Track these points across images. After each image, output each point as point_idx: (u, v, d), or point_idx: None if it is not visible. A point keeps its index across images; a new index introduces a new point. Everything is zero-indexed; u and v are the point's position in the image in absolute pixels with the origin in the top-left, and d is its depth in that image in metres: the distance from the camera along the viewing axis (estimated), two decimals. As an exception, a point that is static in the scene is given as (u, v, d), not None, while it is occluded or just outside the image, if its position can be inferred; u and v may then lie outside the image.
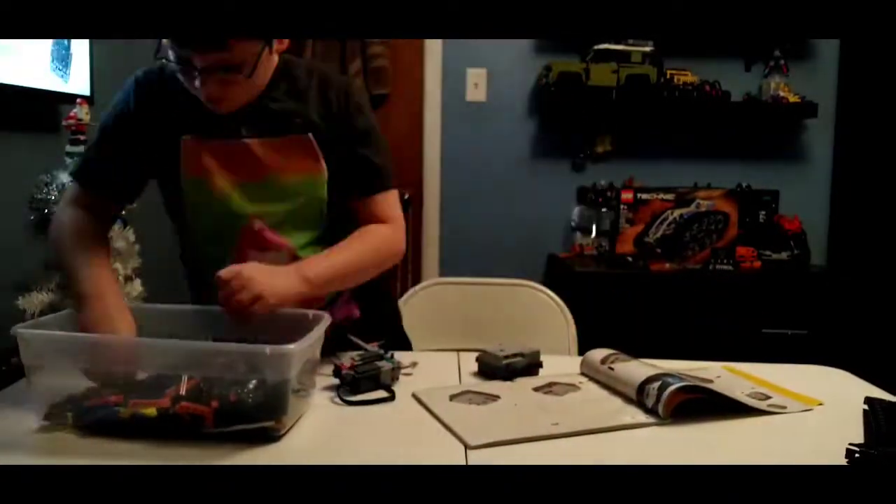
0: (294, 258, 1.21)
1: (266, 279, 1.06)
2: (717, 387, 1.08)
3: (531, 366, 1.24)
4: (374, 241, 1.25)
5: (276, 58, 1.22)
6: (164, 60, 1.15)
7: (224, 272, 1.05)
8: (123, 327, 1.06)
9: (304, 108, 1.23)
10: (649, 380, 1.06)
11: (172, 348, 0.97)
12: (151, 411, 0.91)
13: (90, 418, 0.93)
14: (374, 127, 1.29)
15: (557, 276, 2.91)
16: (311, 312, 1.07)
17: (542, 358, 1.26)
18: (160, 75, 1.23)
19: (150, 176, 1.29)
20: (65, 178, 1.55)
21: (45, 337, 0.96)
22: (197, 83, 1.12)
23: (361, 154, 1.26)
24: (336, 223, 1.26)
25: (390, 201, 1.29)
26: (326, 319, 1.05)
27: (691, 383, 1.04)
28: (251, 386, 0.92)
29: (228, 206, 1.21)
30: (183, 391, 0.92)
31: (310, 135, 1.22)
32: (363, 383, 1.11)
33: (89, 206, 1.24)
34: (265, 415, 0.91)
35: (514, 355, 1.22)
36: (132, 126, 1.23)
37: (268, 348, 0.90)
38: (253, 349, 0.92)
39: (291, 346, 0.91)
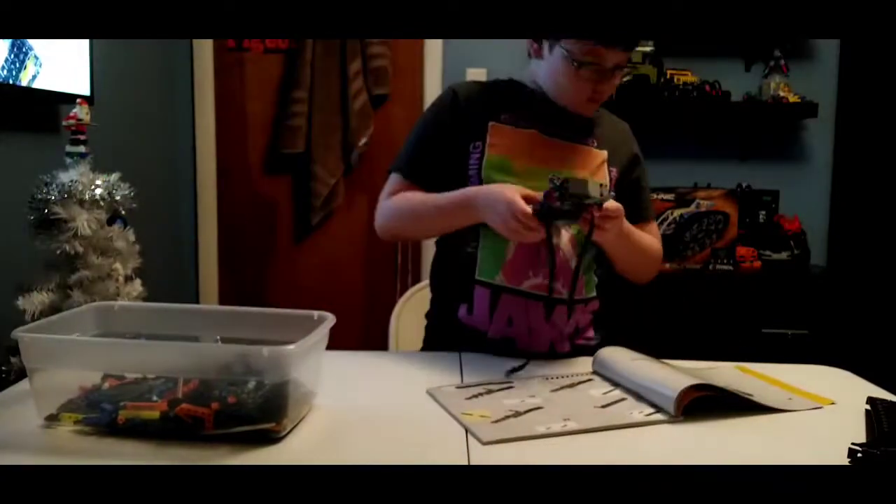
0: (570, 238, 1.35)
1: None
2: (730, 385, 1.08)
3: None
4: (657, 247, 1.48)
5: None
6: (564, 52, 1.32)
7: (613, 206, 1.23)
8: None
9: (599, 133, 1.45)
10: (661, 377, 1.07)
11: (170, 349, 0.97)
12: (154, 414, 0.90)
13: (92, 420, 0.93)
14: (646, 167, 1.54)
15: (557, 276, 2.91)
16: (315, 313, 1.07)
17: (546, 359, 1.25)
18: (475, 85, 1.47)
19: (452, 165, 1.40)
20: (65, 177, 1.55)
21: (44, 341, 0.96)
22: (602, 84, 1.35)
23: (640, 186, 1.50)
24: None
25: (656, 227, 1.54)
26: (331, 320, 1.04)
27: (703, 381, 1.04)
28: (250, 387, 0.91)
29: (528, 179, 1.32)
30: (180, 394, 0.92)
31: (604, 151, 1.43)
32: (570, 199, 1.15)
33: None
34: (265, 417, 0.90)
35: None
36: (446, 121, 1.40)
37: (265, 349, 0.89)
38: (250, 350, 0.91)
39: (291, 347, 0.90)
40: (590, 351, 1.32)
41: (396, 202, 1.39)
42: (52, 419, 0.94)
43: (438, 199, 1.34)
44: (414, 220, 1.39)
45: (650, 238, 1.46)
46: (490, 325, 1.34)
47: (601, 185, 1.20)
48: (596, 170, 1.41)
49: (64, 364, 0.96)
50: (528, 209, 1.18)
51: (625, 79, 2.82)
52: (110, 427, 0.92)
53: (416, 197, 1.38)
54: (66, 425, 0.94)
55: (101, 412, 0.92)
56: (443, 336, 1.38)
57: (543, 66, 1.40)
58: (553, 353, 1.34)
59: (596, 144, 1.43)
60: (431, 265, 1.51)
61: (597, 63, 1.31)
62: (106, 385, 0.96)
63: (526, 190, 1.22)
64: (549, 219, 1.18)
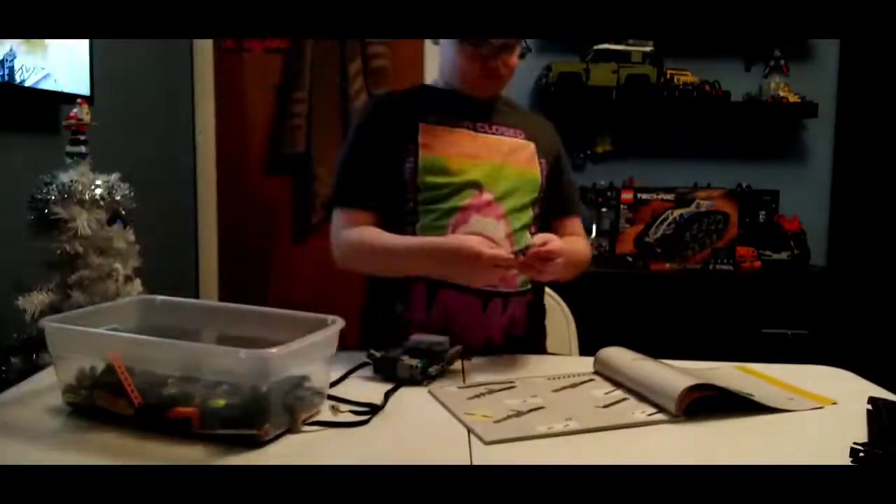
0: (508, 234, 1.37)
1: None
2: (731, 385, 1.09)
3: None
4: (584, 248, 1.52)
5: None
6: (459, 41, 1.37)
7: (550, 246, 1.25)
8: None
9: (525, 125, 1.48)
10: (663, 377, 1.07)
11: (156, 346, 0.95)
12: (126, 409, 0.91)
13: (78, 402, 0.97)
14: (568, 163, 1.58)
15: (557, 276, 2.91)
16: (329, 318, 1.04)
17: (547, 358, 1.26)
18: (393, 95, 1.52)
19: (388, 176, 1.39)
20: (65, 177, 1.55)
21: (67, 331, 0.99)
22: (490, 61, 1.38)
23: (565, 180, 1.54)
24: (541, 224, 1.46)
25: (580, 223, 1.57)
26: (339, 323, 1.03)
27: (704, 381, 1.04)
28: (228, 389, 0.89)
29: (464, 178, 1.36)
30: (169, 390, 0.92)
31: (532, 143, 1.46)
32: (383, 370, 1.16)
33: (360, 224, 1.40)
34: (244, 422, 0.87)
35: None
36: (372, 135, 1.42)
37: (242, 352, 0.86)
38: (227, 351, 0.89)
39: (272, 351, 0.87)
40: (522, 342, 1.40)
41: (354, 242, 1.38)
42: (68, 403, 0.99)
43: (398, 248, 1.34)
44: (374, 265, 1.40)
45: (579, 245, 1.49)
46: (427, 319, 1.35)
47: (526, 246, 1.27)
48: (528, 161, 1.44)
49: (72, 353, 0.99)
50: (495, 253, 1.23)
51: (625, 74, 2.82)
52: (92, 410, 0.95)
53: (375, 241, 1.36)
54: (82, 413, 0.97)
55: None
56: (380, 330, 1.37)
57: (442, 57, 1.46)
58: (489, 347, 1.35)
59: (523, 136, 1.46)
60: None
61: (478, 39, 1.36)
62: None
63: (486, 243, 1.26)
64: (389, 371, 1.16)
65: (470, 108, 1.44)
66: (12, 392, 1.10)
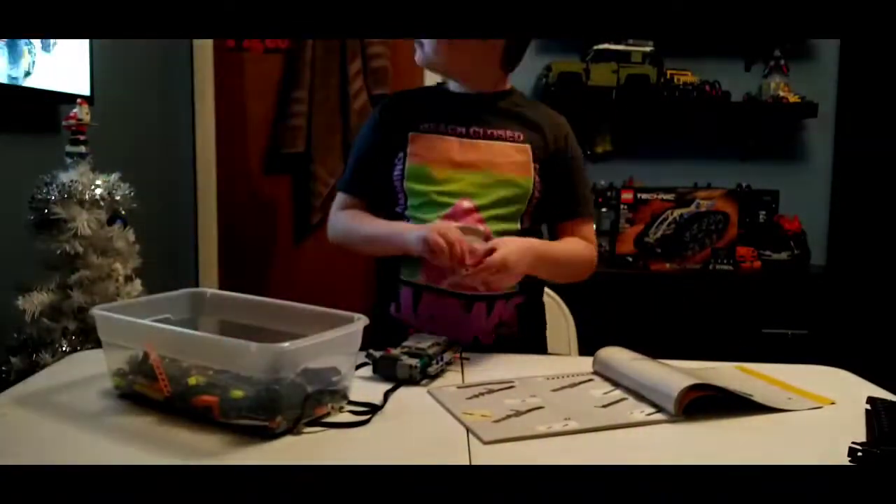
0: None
1: (517, 253, 1.28)
2: (730, 385, 1.09)
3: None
4: (582, 251, 1.46)
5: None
6: None
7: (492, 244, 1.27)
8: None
9: (526, 127, 1.44)
10: (662, 377, 1.07)
11: (176, 336, 0.99)
12: (159, 395, 0.97)
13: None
14: (583, 161, 1.53)
15: (557, 276, 2.91)
16: (355, 315, 1.07)
17: (546, 357, 1.26)
18: (400, 99, 1.53)
19: (383, 175, 1.44)
20: (65, 177, 1.55)
21: (109, 319, 1.04)
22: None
23: (571, 181, 1.48)
24: (529, 233, 1.42)
25: (590, 228, 1.51)
26: (362, 321, 1.05)
27: (704, 381, 1.04)
28: (248, 381, 0.93)
29: (447, 188, 1.38)
30: (194, 379, 0.96)
31: (528, 146, 1.41)
32: (382, 370, 1.16)
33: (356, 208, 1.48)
34: (257, 413, 0.91)
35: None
36: (374, 135, 1.47)
37: (253, 345, 0.90)
38: (239, 344, 0.92)
39: (284, 345, 0.90)
40: (512, 342, 1.40)
41: (345, 222, 1.47)
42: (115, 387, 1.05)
43: (376, 231, 1.41)
44: (357, 243, 1.47)
45: (573, 247, 1.45)
46: (415, 321, 1.38)
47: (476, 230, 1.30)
48: (520, 168, 1.40)
49: (116, 340, 1.05)
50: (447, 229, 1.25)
51: (625, 74, 2.82)
52: (133, 395, 1.02)
53: (361, 222, 1.45)
54: (125, 397, 1.03)
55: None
56: (376, 332, 1.35)
57: (450, 54, 1.43)
58: (477, 345, 1.37)
59: (521, 138, 1.42)
60: None
61: None
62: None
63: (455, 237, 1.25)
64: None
65: (467, 109, 1.43)
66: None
